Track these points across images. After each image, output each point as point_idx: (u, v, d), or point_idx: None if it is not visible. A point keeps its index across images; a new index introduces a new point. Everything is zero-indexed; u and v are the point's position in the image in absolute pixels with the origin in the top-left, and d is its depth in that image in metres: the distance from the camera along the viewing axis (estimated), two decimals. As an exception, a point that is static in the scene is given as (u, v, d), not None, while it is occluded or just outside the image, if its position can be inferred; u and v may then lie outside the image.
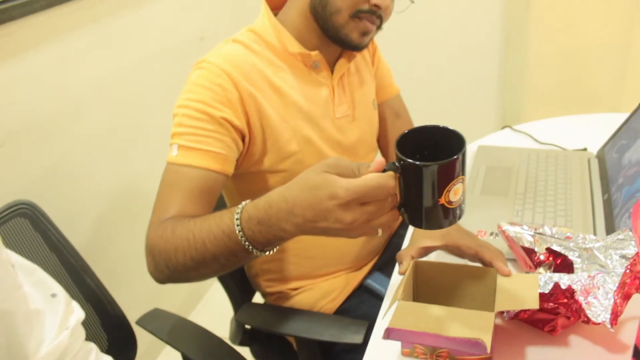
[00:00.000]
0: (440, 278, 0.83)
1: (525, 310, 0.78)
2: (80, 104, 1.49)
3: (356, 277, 1.19)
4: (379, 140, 1.26)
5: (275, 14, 1.06)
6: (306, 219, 0.68)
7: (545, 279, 0.78)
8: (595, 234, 1.00)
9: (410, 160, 0.63)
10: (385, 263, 1.23)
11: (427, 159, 0.63)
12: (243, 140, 0.98)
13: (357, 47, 1.03)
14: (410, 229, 1.07)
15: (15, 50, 1.31)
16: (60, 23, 1.42)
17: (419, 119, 1.29)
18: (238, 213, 0.74)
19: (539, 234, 0.90)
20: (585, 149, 1.27)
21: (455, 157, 0.63)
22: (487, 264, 0.84)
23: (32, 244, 0.97)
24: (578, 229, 1.00)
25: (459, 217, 0.68)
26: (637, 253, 0.73)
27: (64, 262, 1.00)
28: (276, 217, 0.70)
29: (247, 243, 0.74)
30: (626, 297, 0.73)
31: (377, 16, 0.99)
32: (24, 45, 1.33)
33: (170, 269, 0.84)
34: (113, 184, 1.63)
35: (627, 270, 0.73)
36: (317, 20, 1.01)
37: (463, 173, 0.65)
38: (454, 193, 0.65)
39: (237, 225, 0.74)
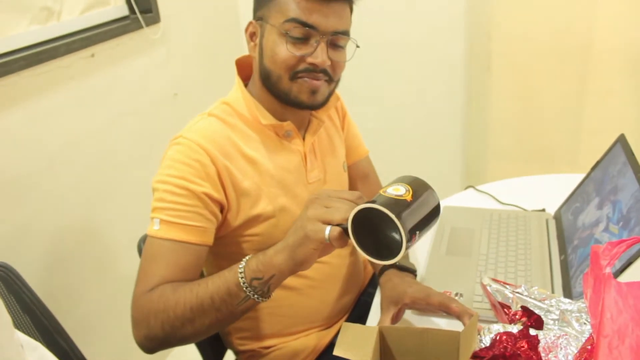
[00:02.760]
0: (405, 342, 0.86)
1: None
2: (53, 161, 1.51)
3: (327, 335, 1.21)
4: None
5: (246, 84, 1.11)
6: (288, 243, 0.83)
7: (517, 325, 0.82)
8: (550, 292, 1.06)
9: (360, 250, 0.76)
10: (354, 321, 1.25)
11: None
12: (222, 211, 1.02)
13: (313, 106, 1.06)
14: (379, 292, 1.11)
15: (-8, 109, 1.33)
16: (36, 82, 1.45)
17: (385, 179, 1.35)
18: (244, 261, 0.88)
19: (517, 293, 0.95)
20: (543, 210, 1.34)
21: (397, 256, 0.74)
22: (436, 307, 0.98)
23: (5, 307, 0.97)
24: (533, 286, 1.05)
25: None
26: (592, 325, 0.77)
27: (37, 324, 1.00)
28: (272, 252, 0.85)
29: (242, 279, 0.85)
30: None
31: (318, 72, 1.00)
32: (1, 105, 1.35)
33: (166, 329, 0.88)
34: (84, 241, 1.63)
35: (591, 338, 0.77)
36: (270, 92, 1.05)
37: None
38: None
39: (240, 268, 0.86)
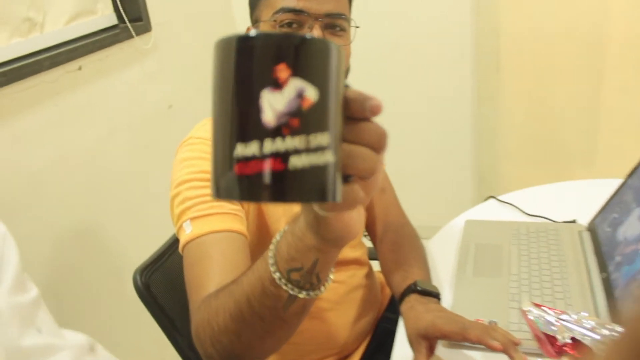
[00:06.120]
0: None
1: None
2: (38, 182, 1.41)
3: (345, 366, 1.11)
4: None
5: None
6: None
7: None
8: (598, 317, 0.95)
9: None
10: (375, 349, 1.16)
11: None
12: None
13: None
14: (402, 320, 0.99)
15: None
16: (20, 99, 1.36)
17: (401, 192, 1.26)
18: (273, 245, 0.62)
19: (563, 320, 0.85)
20: (574, 221, 1.24)
21: None
22: (475, 342, 0.84)
23: None
24: (579, 311, 0.95)
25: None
26: None
27: None
28: (302, 228, 0.57)
29: (277, 273, 0.60)
30: None
31: None
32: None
33: (216, 347, 0.70)
34: (75, 265, 1.54)
35: None
36: None
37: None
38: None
39: (270, 258, 0.61)
